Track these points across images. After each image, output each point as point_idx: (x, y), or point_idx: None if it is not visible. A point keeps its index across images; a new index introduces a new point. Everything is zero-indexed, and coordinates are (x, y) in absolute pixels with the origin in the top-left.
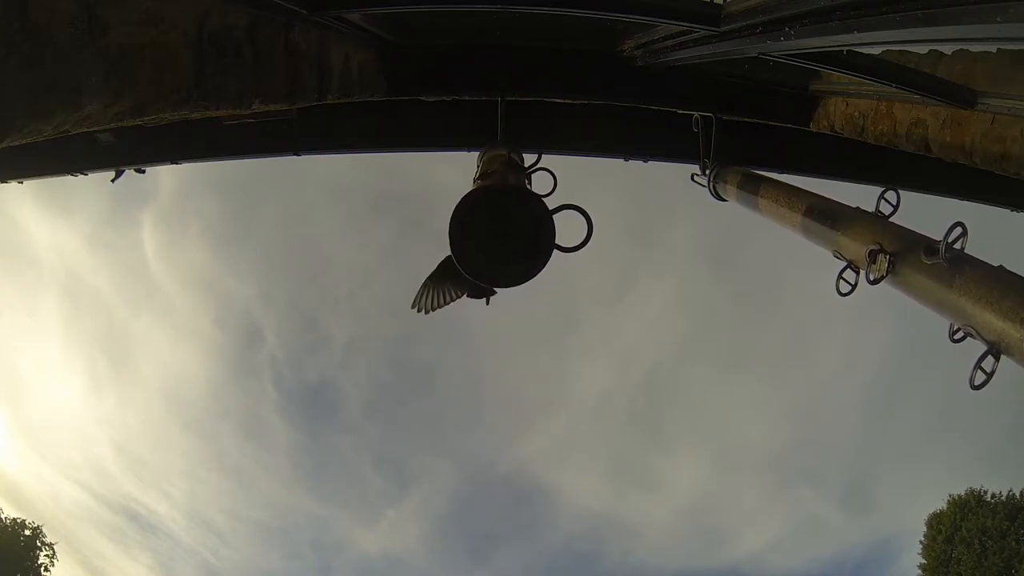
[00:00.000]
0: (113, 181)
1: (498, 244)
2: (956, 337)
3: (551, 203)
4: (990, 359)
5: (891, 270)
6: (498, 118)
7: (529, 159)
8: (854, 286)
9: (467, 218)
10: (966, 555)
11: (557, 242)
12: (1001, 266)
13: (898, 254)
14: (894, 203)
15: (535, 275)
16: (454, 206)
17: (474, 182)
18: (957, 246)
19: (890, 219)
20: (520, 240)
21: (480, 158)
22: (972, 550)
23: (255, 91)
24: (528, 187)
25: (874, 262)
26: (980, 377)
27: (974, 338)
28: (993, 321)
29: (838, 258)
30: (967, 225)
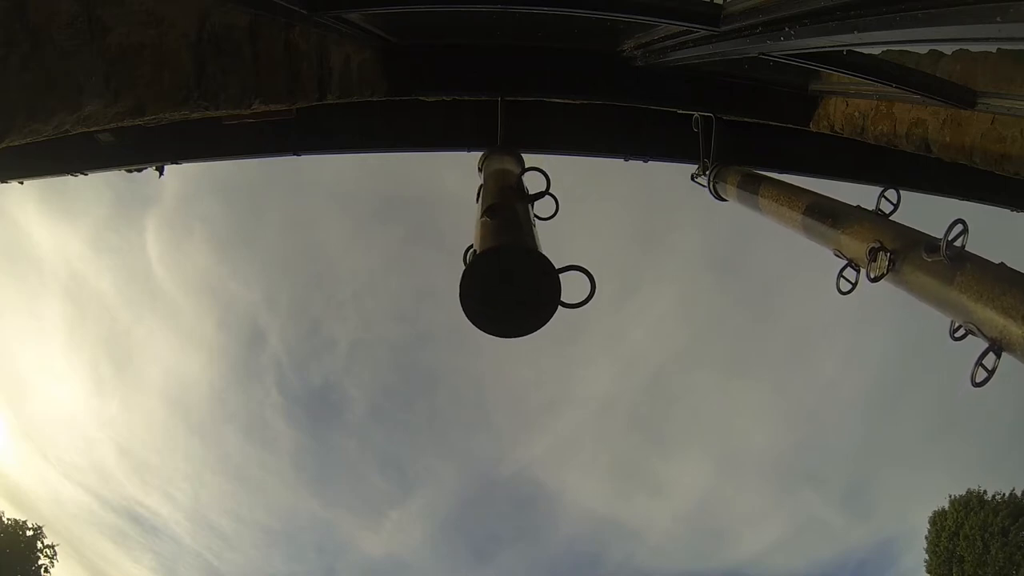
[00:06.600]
0: (160, 175)
1: (506, 301)
2: (957, 335)
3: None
4: (991, 356)
5: (892, 268)
6: (498, 118)
7: (534, 176)
8: (855, 284)
9: (478, 281)
10: (969, 552)
11: (562, 299)
12: (1002, 263)
13: (899, 252)
14: (894, 201)
15: (539, 328)
16: (464, 269)
17: (477, 196)
18: (958, 243)
19: (890, 217)
20: (527, 299)
21: (481, 162)
22: (975, 547)
23: (255, 91)
24: (538, 249)
25: (875, 260)
26: (982, 375)
27: (975, 335)
28: (994, 318)
29: (839, 256)
30: (968, 225)
